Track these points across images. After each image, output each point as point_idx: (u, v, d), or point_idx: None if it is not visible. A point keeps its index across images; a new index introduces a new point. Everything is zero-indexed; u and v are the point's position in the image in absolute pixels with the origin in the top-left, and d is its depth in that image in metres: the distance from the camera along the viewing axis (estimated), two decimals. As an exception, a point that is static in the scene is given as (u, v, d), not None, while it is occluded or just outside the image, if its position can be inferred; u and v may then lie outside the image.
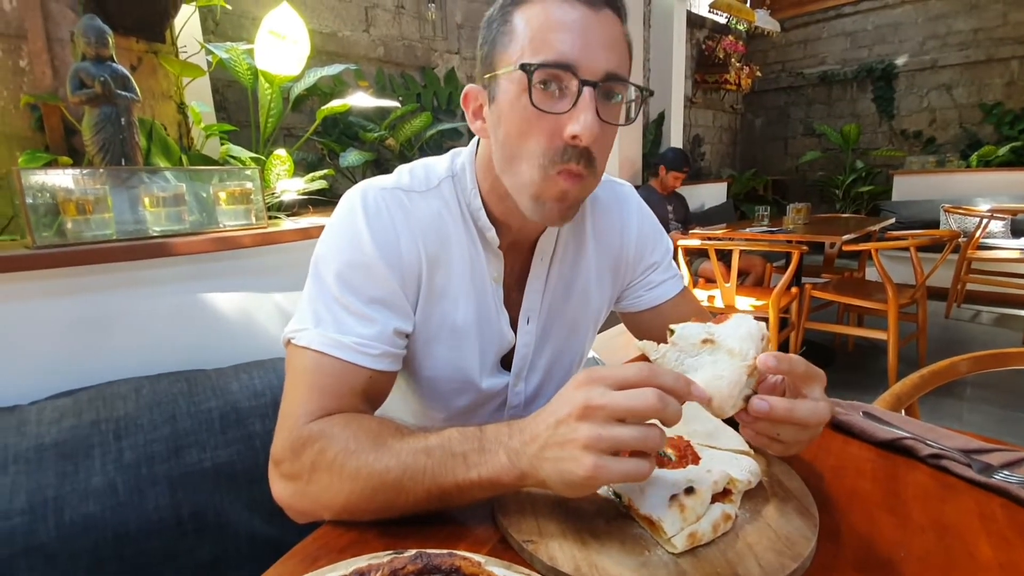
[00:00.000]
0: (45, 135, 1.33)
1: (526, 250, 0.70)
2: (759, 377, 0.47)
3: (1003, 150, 4.75)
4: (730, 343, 0.47)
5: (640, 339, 0.50)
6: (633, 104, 0.59)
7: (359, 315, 0.58)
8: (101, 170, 1.21)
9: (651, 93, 0.60)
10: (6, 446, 0.87)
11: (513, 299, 0.70)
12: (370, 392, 0.59)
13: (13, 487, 0.83)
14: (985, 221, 3.85)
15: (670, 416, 0.41)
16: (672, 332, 0.50)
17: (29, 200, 1.09)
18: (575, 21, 0.53)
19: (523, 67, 0.52)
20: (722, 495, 0.49)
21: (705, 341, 0.48)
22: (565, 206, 0.58)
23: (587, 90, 0.53)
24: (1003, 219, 4.08)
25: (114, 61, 1.23)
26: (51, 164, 1.25)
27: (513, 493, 0.51)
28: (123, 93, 1.23)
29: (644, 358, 0.49)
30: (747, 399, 0.46)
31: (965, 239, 3.83)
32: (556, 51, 0.52)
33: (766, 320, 2.53)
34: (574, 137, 0.54)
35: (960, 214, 4.18)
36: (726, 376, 0.45)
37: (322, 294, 0.59)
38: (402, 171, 0.67)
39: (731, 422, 0.60)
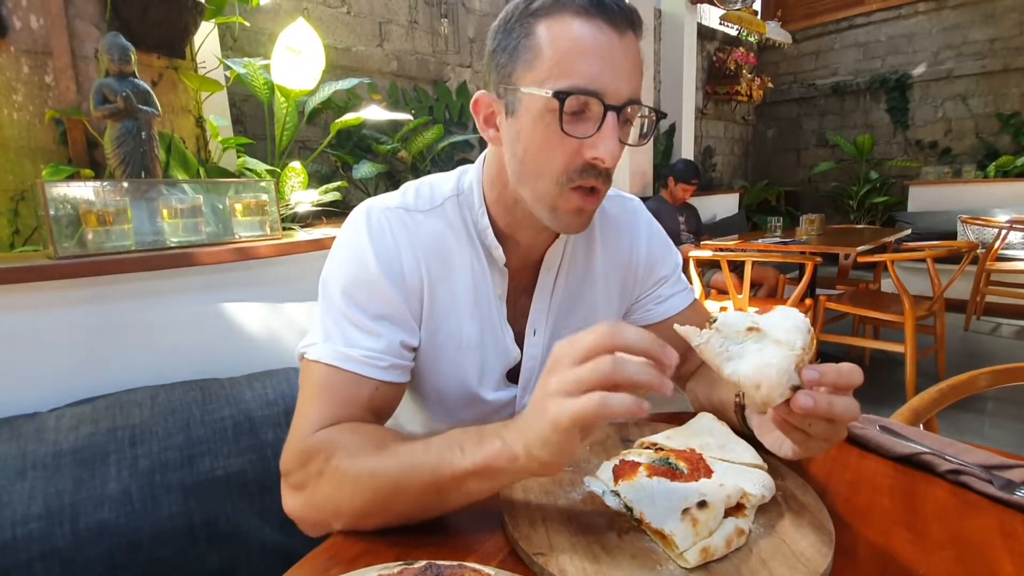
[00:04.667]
0: (68, 148, 1.36)
1: (533, 264, 0.70)
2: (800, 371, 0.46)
3: (1021, 160, 4.68)
4: (776, 333, 0.46)
5: None
6: (646, 121, 0.61)
7: (366, 330, 0.59)
8: (122, 183, 1.24)
9: (664, 115, 0.62)
10: (25, 452, 0.89)
11: (519, 312, 0.71)
12: (378, 404, 0.59)
13: (31, 492, 0.84)
14: (1004, 232, 3.78)
15: (629, 375, 0.39)
16: (714, 320, 0.49)
17: (52, 212, 1.12)
18: (602, 46, 0.53)
19: (556, 95, 0.53)
20: (735, 509, 0.48)
21: (751, 329, 0.47)
22: (583, 218, 0.61)
23: (611, 115, 0.54)
24: (1023, 230, 4.00)
25: (136, 77, 1.27)
26: (74, 177, 1.28)
27: (523, 504, 0.51)
28: (144, 108, 1.26)
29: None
30: (794, 389, 0.45)
31: (983, 250, 3.76)
32: (585, 77, 0.53)
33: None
34: (595, 159, 0.55)
35: (978, 225, 4.11)
36: (775, 364, 0.45)
37: (330, 310, 0.60)
38: (407, 189, 0.68)
39: (742, 435, 0.60)
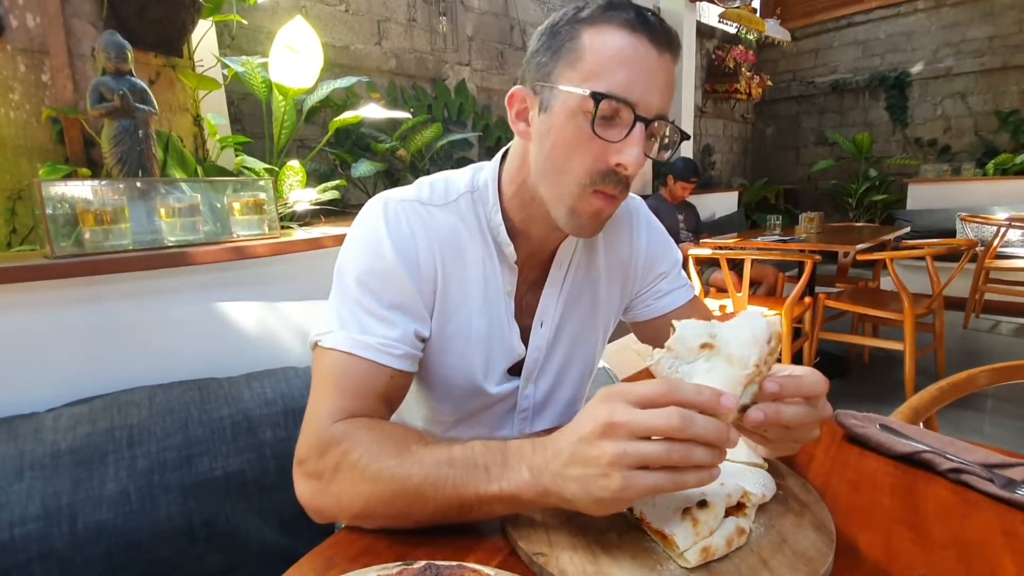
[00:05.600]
0: (65, 147, 1.35)
1: (542, 261, 0.72)
2: (760, 383, 0.44)
3: (1020, 158, 4.67)
4: (731, 348, 0.44)
5: None
6: (668, 140, 0.62)
7: (381, 318, 0.60)
8: (119, 182, 1.23)
9: (688, 136, 0.64)
10: (22, 452, 0.88)
11: (526, 305, 0.72)
12: (390, 393, 0.60)
13: (29, 493, 0.84)
14: (1003, 230, 3.78)
15: (701, 432, 0.39)
16: (674, 329, 0.47)
17: (49, 211, 1.11)
18: (643, 60, 0.55)
19: (594, 95, 0.54)
20: (736, 509, 0.48)
21: (704, 346, 0.45)
22: (599, 221, 0.62)
23: (639, 126, 0.56)
24: (1022, 228, 4.00)
25: (133, 75, 1.26)
26: (71, 176, 1.28)
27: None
28: (141, 106, 1.26)
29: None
30: (744, 408, 0.43)
31: (983, 248, 3.76)
32: (622, 85, 0.55)
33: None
34: (619, 165, 0.57)
35: (977, 223, 4.11)
36: (719, 387, 0.42)
37: (345, 298, 0.61)
38: (422, 184, 0.69)
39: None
